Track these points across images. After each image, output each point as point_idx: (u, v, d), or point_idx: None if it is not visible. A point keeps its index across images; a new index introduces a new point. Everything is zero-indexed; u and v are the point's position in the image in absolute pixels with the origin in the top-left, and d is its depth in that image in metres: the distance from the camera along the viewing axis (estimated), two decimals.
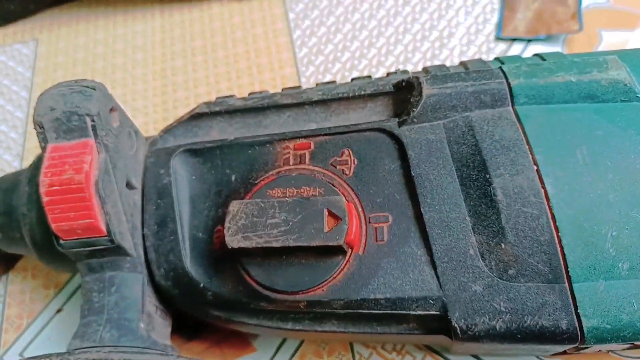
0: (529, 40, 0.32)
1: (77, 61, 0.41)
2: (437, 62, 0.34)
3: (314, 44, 0.37)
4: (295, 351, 0.27)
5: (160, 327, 0.24)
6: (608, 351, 0.25)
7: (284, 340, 0.27)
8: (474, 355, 0.26)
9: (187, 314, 0.24)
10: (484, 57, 0.32)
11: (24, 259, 0.32)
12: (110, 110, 0.22)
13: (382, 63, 0.35)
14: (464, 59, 0.32)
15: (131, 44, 0.41)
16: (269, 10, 0.40)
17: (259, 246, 0.20)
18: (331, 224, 0.19)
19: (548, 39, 0.31)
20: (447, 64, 0.32)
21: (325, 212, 0.19)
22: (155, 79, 0.39)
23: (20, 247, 0.25)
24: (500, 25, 0.32)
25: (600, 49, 0.31)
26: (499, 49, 0.32)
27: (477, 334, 0.19)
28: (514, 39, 0.32)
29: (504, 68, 0.21)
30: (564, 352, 0.23)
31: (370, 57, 0.35)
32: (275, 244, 0.19)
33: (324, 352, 0.27)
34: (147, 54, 0.40)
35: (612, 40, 0.31)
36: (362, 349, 0.27)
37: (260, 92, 0.25)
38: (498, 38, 0.32)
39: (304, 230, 0.19)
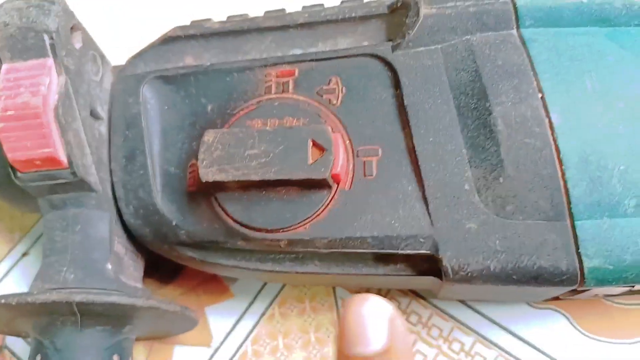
0: None
1: None
2: None
3: None
4: (275, 297, 0.26)
5: (131, 270, 0.22)
6: (604, 295, 0.24)
7: (263, 285, 0.26)
8: (460, 300, 0.25)
9: (161, 256, 0.23)
10: None
11: None
12: (72, 28, 0.21)
13: None
14: None
15: None
16: None
17: (236, 179, 0.18)
18: (316, 156, 0.18)
19: None
20: None
21: (310, 143, 0.18)
22: (102, 13, 0.36)
23: None
24: None
25: None
26: None
27: (469, 274, 0.18)
28: None
29: None
30: (556, 298, 0.22)
31: None
32: (254, 177, 0.18)
33: (306, 297, 0.26)
34: None
35: None
36: (345, 294, 0.26)
37: (241, 15, 0.23)
38: None
39: (286, 162, 0.18)
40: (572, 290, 0.21)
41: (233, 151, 0.18)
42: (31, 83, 0.19)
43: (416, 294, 0.26)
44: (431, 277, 0.19)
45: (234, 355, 0.25)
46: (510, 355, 0.25)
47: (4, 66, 0.20)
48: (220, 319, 0.26)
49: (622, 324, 0.25)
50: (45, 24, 0.19)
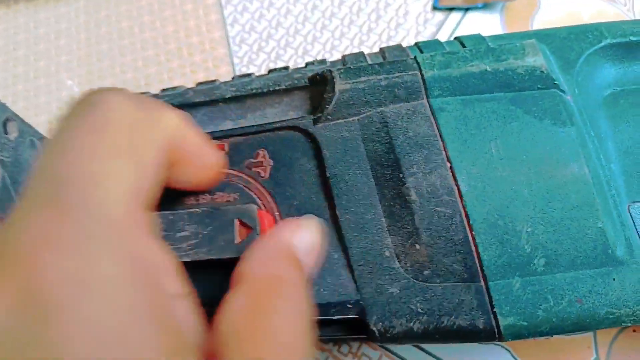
0: (467, 9, 0.32)
1: None
2: (363, 38, 0.34)
3: (247, 21, 0.36)
4: None
5: None
6: None
7: None
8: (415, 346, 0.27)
9: None
10: (421, 29, 0.32)
11: None
12: (6, 121, 0.22)
13: (316, 39, 0.34)
14: (400, 30, 0.32)
15: (54, 29, 0.40)
16: None
17: None
18: (243, 235, 0.20)
19: (486, 6, 0.31)
20: (380, 34, 0.32)
21: (237, 223, 0.20)
22: (80, 66, 0.38)
23: None
24: None
25: (540, 14, 0.31)
26: (437, 19, 0.32)
27: (395, 335, 0.20)
28: (452, 8, 0.32)
29: (418, 59, 0.21)
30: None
31: (305, 34, 0.35)
32: (185, 259, 0.20)
33: None
34: (71, 39, 0.39)
35: (551, 6, 0.31)
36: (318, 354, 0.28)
37: (174, 89, 0.24)
38: (435, 8, 0.32)
39: (215, 243, 0.20)
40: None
41: (165, 234, 0.20)
42: None
43: (385, 348, 0.27)
44: (362, 336, 0.21)
45: None
46: None
47: None
48: None
49: (562, 355, 0.26)
50: None
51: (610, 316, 0.19)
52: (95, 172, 0.14)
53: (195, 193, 0.22)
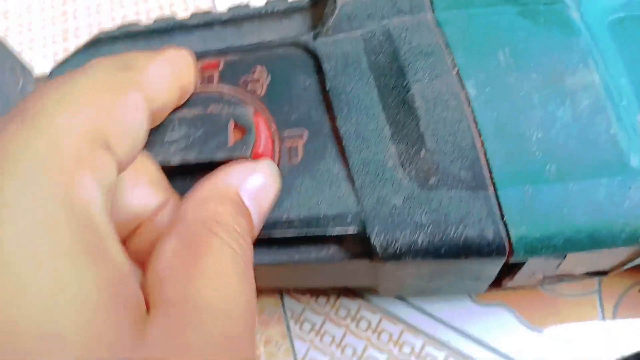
0: None
1: None
2: None
3: None
4: None
5: None
6: (545, 284, 0.25)
7: None
8: (407, 302, 0.26)
9: None
10: None
11: None
12: None
13: None
14: None
15: None
16: None
17: (159, 163, 0.19)
18: (237, 137, 0.19)
19: None
20: None
21: (231, 124, 0.19)
22: (54, 6, 0.37)
23: None
24: None
25: None
26: None
27: (397, 250, 0.19)
28: None
29: None
30: (498, 285, 0.23)
31: None
32: (173, 162, 0.19)
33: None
34: None
35: None
36: (292, 304, 0.27)
37: (167, 17, 0.24)
38: None
39: (206, 145, 0.19)
40: (510, 273, 0.22)
41: (152, 139, 0.19)
42: None
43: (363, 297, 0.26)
44: (363, 260, 0.20)
45: None
46: (460, 354, 0.25)
47: None
48: None
49: (567, 315, 0.25)
50: None
51: (627, 228, 0.18)
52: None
53: (188, 107, 0.21)
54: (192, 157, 0.19)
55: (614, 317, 0.25)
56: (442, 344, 0.25)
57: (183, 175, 0.19)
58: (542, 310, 0.25)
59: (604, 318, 0.25)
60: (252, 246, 0.17)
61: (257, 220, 0.18)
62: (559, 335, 0.25)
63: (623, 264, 0.22)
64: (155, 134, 0.19)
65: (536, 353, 0.24)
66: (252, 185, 0.18)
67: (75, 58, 0.23)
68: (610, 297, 0.25)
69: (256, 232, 0.18)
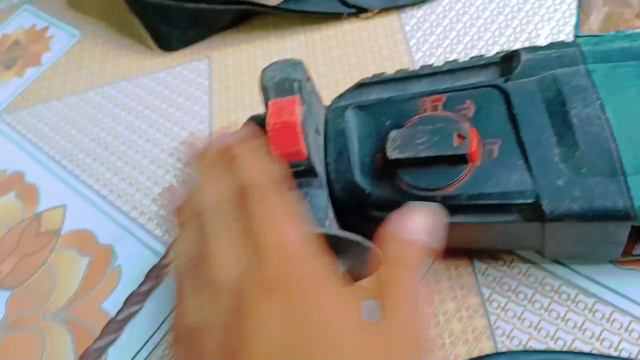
0: None
1: (242, 72, 0.57)
2: None
3: (427, 49, 0.51)
4: (428, 269, 0.40)
5: (334, 226, 0.37)
6: None
7: None
8: (560, 263, 0.37)
9: (351, 225, 0.37)
10: None
11: None
12: (307, 79, 0.37)
13: None
14: None
15: (283, 57, 0.56)
16: (389, 25, 0.55)
17: (410, 157, 0.33)
18: (458, 142, 0.32)
19: None
20: None
21: (455, 134, 0.32)
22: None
23: None
24: (577, 26, 0.44)
25: None
26: None
27: (560, 214, 0.30)
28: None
29: (577, 40, 0.33)
30: (630, 253, 0.33)
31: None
32: (421, 155, 0.32)
33: (452, 267, 0.39)
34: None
35: None
36: (480, 264, 0.39)
37: (405, 69, 0.38)
38: (576, 37, 0.44)
39: (440, 145, 0.32)
40: (637, 242, 0.33)
41: (407, 141, 0.33)
42: (288, 110, 0.35)
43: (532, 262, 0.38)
44: (536, 224, 0.32)
45: None
46: (605, 301, 0.36)
47: (272, 101, 0.36)
48: None
49: None
50: (295, 75, 0.36)
51: None
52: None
53: (422, 125, 0.34)
54: (432, 152, 0.32)
55: None
56: (591, 294, 0.36)
57: (423, 164, 0.33)
58: None
59: None
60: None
61: (432, 245, 0.29)
62: None
63: None
64: (409, 138, 0.33)
65: None
66: (425, 226, 0.30)
67: (347, 94, 0.39)
68: None
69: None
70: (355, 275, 0.37)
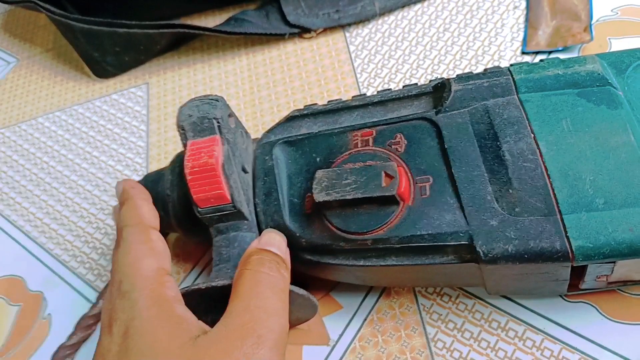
0: (550, 52, 0.42)
1: (182, 98, 0.55)
2: None
3: (372, 69, 0.49)
4: (373, 307, 0.38)
5: None
6: (618, 286, 0.34)
7: (363, 299, 0.38)
8: (512, 300, 0.36)
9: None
10: None
11: None
12: (229, 115, 0.35)
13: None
14: None
15: (224, 82, 0.55)
16: (333, 45, 0.54)
17: (337, 199, 0.31)
18: (387, 182, 0.30)
19: (565, 49, 0.41)
20: None
21: (383, 174, 0.31)
22: (246, 108, 0.52)
23: (164, 223, 0.38)
24: (525, 42, 0.43)
25: None
26: (525, 60, 0.42)
27: (495, 256, 0.29)
28: (537, 52, 0.42)
29: (510, 68, 0.32)
30: (576, 287, 0.32)
31: (419, 77, 0.47)
32: (348, 197, 0.31)
33: (395, 305, 0.38)
34: (238, 89, 0.54)
35: (620, 46, 0.40)
36: (424, 301, 0.37)
37: (336, 100, 0.36)
38: (524, 52, 0.43)
39: (368, 186, 0.30)
40: (580, 276, 0.31)
41: (334, 182, 0.31)
42: (207, 150, 0.33)
43: (478, 297, 0.36)
44: (471, 264, 0.30)
45: (346, 350, 0.37)
46: (554, 338, 0.34)
47: (190, 141, 0.34)
48: (335, 325, 0.38)
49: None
50: (214, 114, 0.34)
51: None
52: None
53: (353, 162, 0.33)
54: (359, 194, 0.30)
55: None
56: (539, 330, 0.35)
57: (352, 205, 0.31)
58: (622, 307, 0.34)
59: None
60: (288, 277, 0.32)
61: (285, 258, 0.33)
62: (632, 324, 0.34)
63: None
64: (336, 179, 0.31)
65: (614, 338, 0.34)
66: (275, 243, 0.33)
67: (277, 127, 0.37)
68: None
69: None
70: (292, 321, 0.35)
